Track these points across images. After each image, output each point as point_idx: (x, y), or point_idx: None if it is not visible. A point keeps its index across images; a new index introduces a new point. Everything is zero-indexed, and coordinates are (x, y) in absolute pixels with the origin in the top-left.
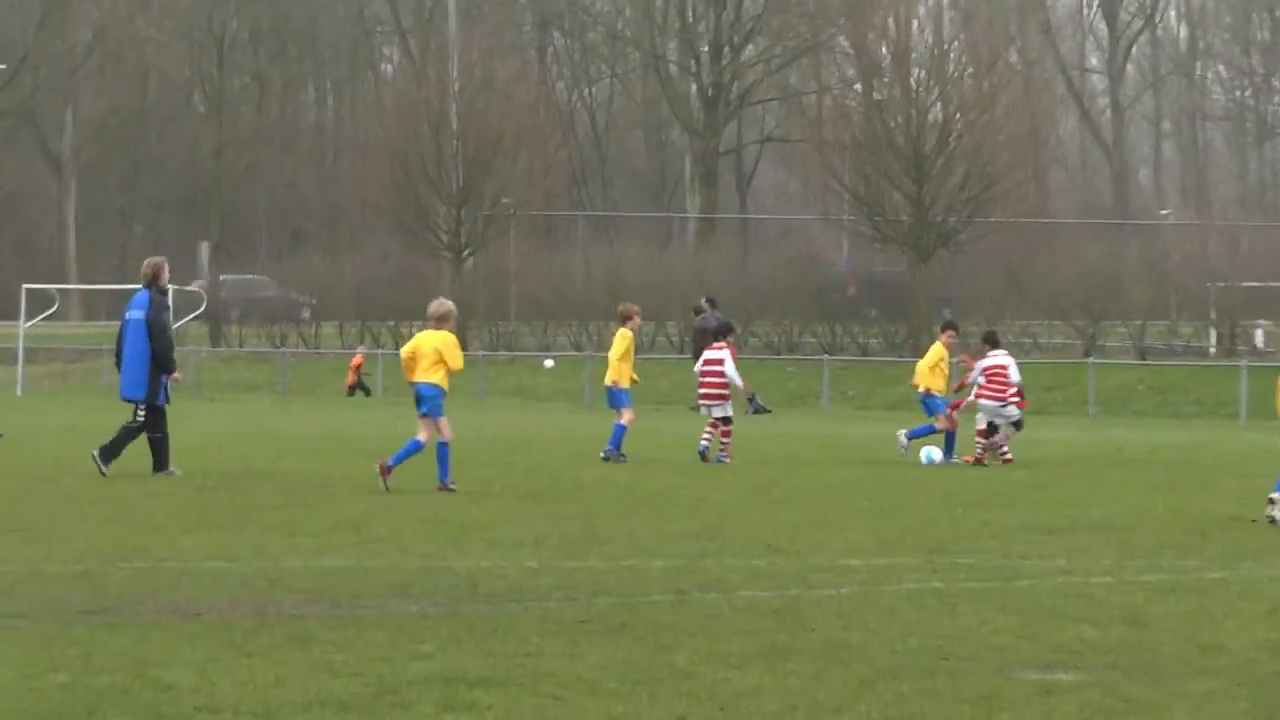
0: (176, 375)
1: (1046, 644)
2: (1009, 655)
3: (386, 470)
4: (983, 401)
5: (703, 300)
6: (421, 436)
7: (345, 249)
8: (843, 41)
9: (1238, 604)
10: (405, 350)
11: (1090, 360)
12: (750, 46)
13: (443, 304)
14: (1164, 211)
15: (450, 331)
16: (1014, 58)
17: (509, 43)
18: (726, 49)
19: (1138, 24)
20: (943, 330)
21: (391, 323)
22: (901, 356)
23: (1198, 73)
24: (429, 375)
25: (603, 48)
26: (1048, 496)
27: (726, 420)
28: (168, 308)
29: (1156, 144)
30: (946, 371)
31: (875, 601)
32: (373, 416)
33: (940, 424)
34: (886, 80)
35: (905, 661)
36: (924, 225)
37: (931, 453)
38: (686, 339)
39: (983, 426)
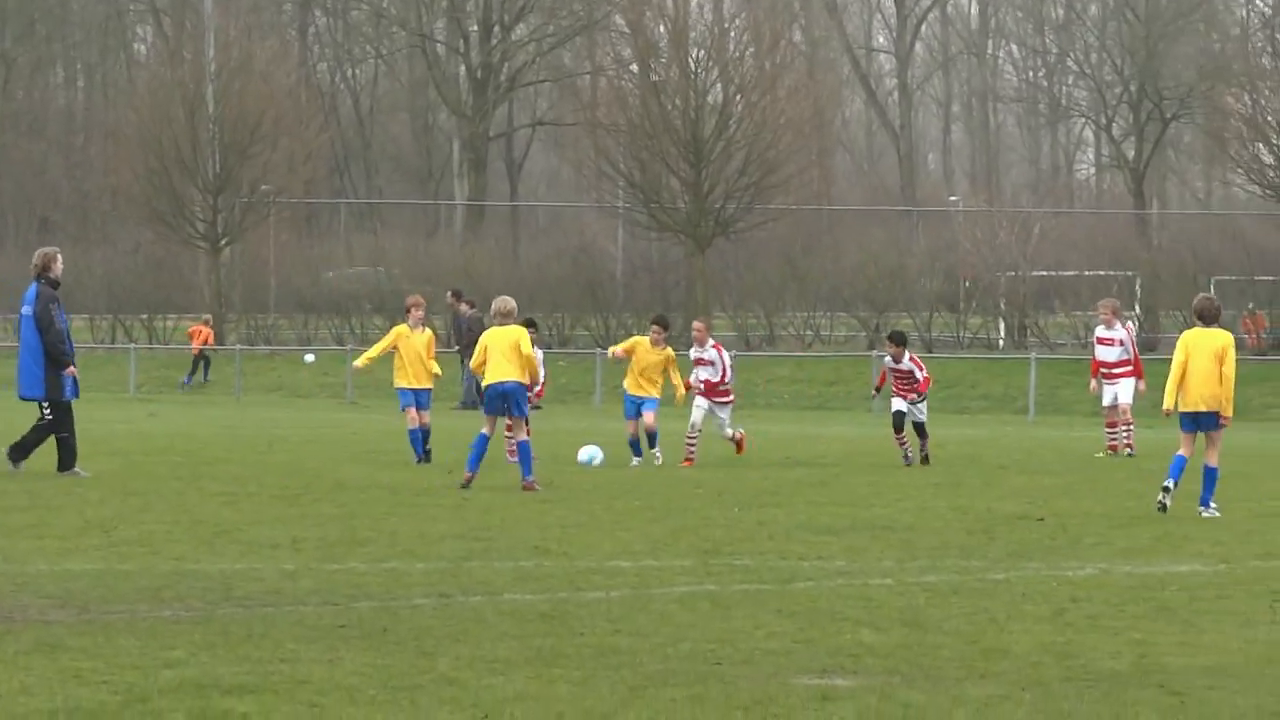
0: (72, 369)
1: (824, 648)
2: (784, 660)
3: (468, 481)
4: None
5: (449, 294)
6: (486, 429)
7: (96, 239)
8: (618, 20)
9: (1021, 606)
10: (478, 352)
11: (874, 353)
12: (521, 26)
13: (506, 301)
14: (952, 198)
15: (518, 325)
16: (798, 37)
17: (268, 22)
18: (496, 28)
19: (927, 2)
20: (652, 325)
21: (145, 316)
22: (677, 350)
23: (989, 52)
24: (509, 373)
25: (366, 27)
26: (827, 495)
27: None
28: (56, 299)
29: (946, 127)
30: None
31: (646, 605)
32: (124, 414)
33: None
34: (664, 61)
35: (676, 667)
36: (702, 212)
37: (593, 453)
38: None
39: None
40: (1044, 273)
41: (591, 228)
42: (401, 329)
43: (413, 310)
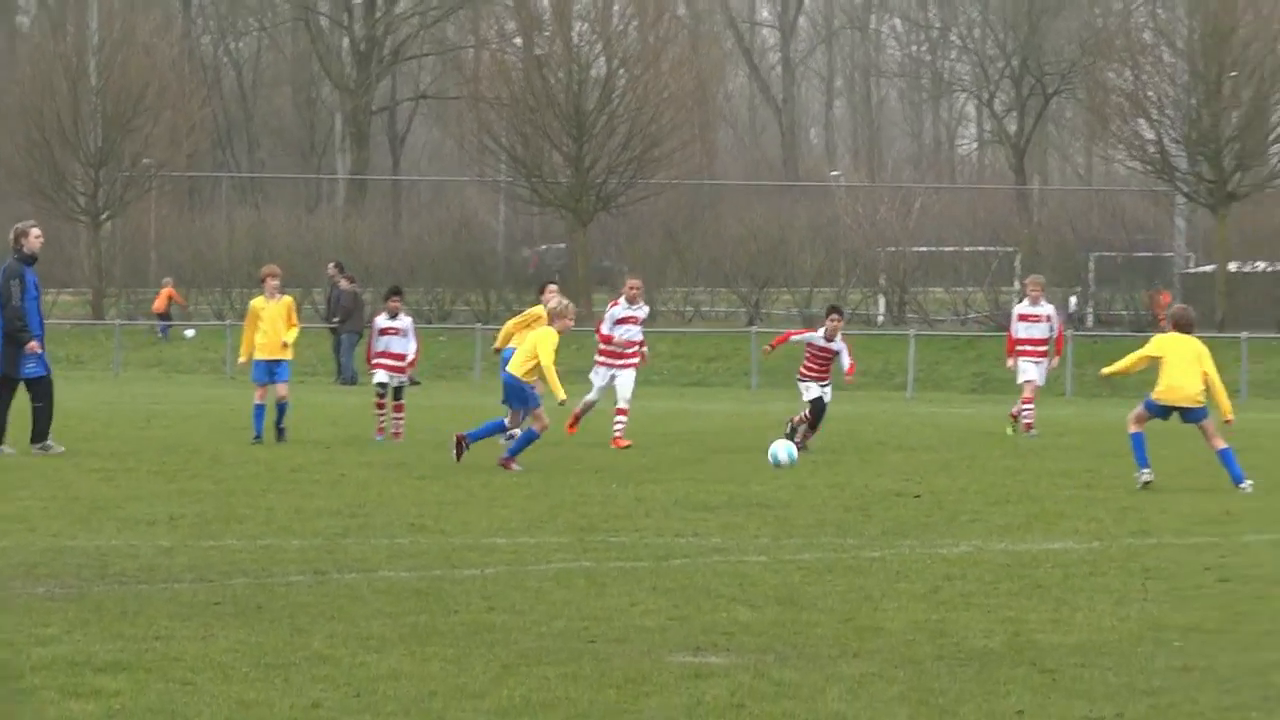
0: (33, 346)
1: (698, 625)
2: (659, 637)
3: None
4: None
5: (331, 266)
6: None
7: None
8: None
9: (896, 584)
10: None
11: (754, 329)
12: None
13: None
14: (834, 173)
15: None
16: (681, 10)
17: None
18: (380, 1)
19: None
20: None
21: None
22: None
23: (872, 27)
24: (514, 368)
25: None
26: (705, 472)
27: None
28: (21, 275)
29: (828, 101)
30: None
31: (521, 582)
32: None
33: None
34: (547, 34)
35: (550, 644)
36: (584, 187)
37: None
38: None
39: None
40: (924, 248)
41: (473, 202)
42: (257, 301)
43: (268, 280)
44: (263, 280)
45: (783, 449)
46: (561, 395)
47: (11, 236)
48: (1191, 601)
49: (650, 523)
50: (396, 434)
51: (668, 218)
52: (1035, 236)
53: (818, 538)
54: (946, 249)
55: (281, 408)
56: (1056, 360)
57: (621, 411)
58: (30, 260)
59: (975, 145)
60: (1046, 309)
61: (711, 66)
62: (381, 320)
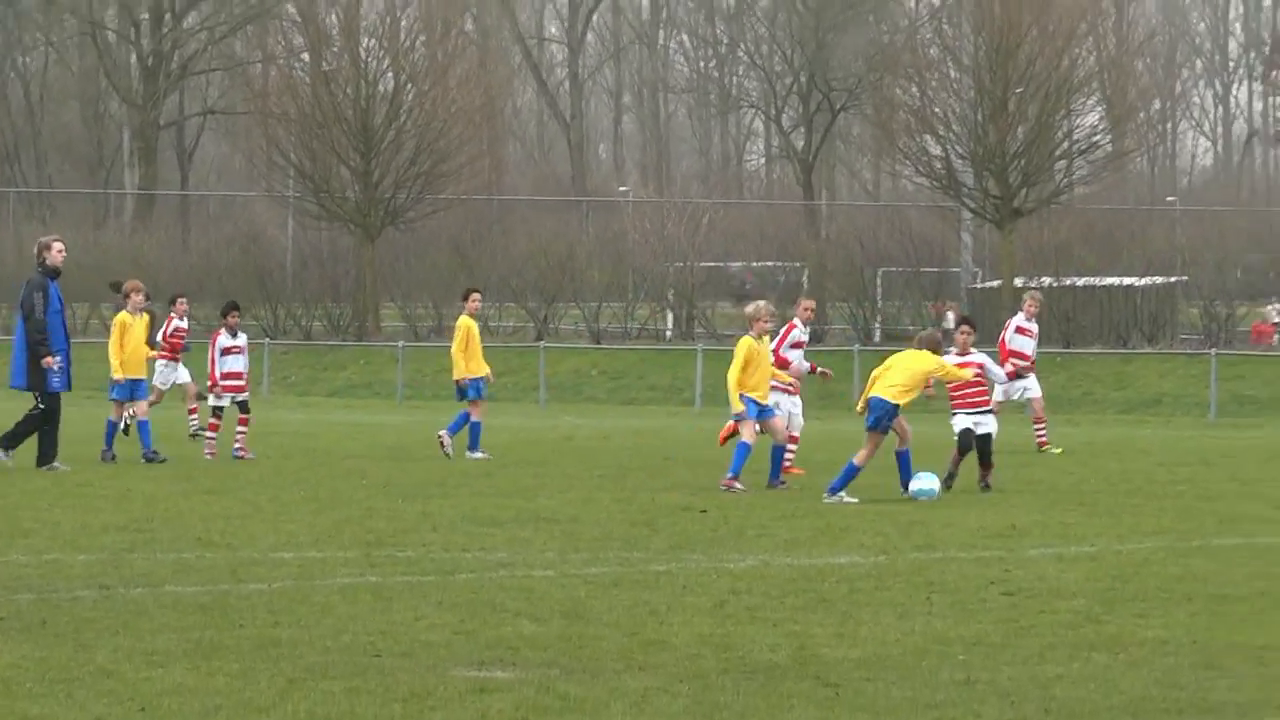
0: (48, 361)
1: (484, 640)
2: (444, 652)
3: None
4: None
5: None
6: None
7: None
8: (290, 9)
9: (682, 598)
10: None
11: (542, 344)
12: (193, 13)
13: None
14: (623, 189)
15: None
16: (469, 26)
17: None
18: (168, 16)
19: None
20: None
21: None
22: (345, 340)
23: (660, 43)
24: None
25: (37, 14)
26: (492, 486)
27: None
28: (44, 288)
29: (617, 117)
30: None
31: (308, 596)
32: None
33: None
34: (335, 50)
35: (336, 659)
36: (372, 202)
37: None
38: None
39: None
40: (712, 264)
41: (262, 217)
42: (123, 317)
43: (132, 295)
44: (127, 295)
45: (923, 482)
46: (739, 408)
47: (36, 250)
48: (975, 615)
49: (437, 537)
50: (243, 450)
51: (456, 233)
52: (822, 251)
53: (604, 552)
54: (734, 264)
55: (144, 425)
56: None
57: (794, 439)
58: (54, 274)
59: (763, 161)
60: (1035, 326)
61: (499, 82)
62: (225, 339)
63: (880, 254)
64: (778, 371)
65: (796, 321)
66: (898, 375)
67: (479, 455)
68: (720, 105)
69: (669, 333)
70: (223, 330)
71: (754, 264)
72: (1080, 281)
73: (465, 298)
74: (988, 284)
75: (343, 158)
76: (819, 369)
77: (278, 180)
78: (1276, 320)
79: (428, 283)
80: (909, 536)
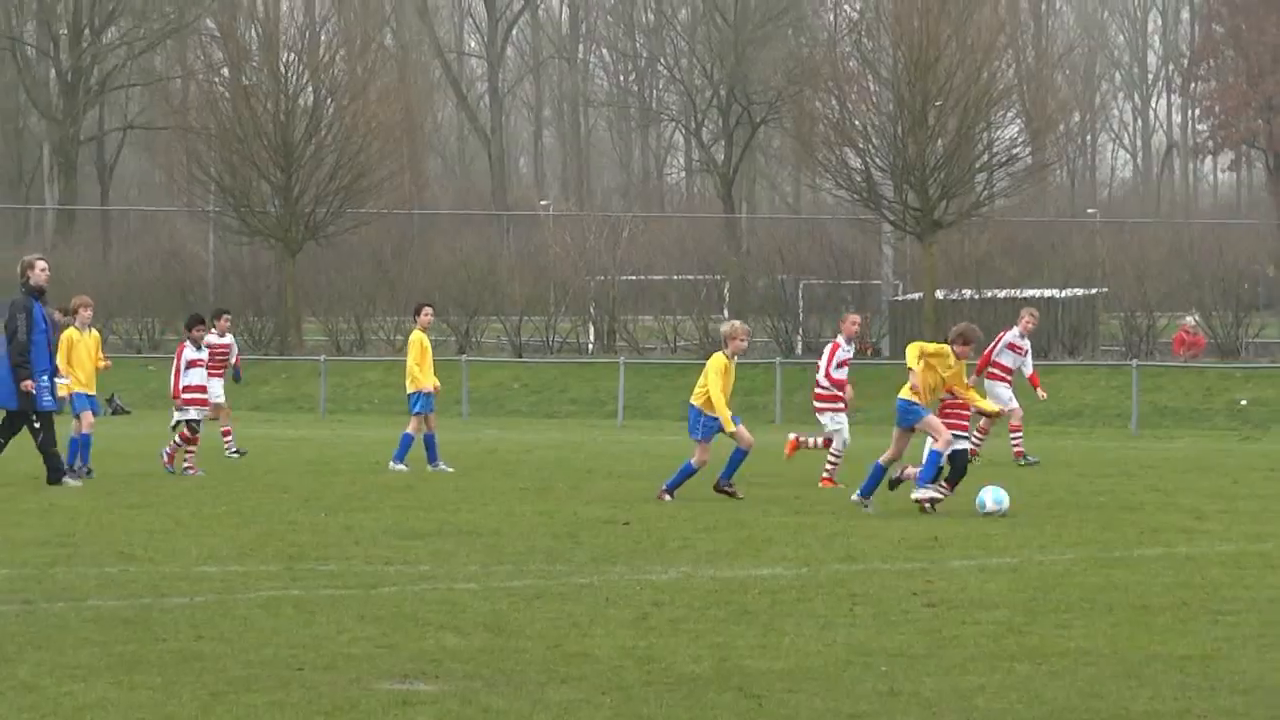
0: (27, 385)
1: (406, 653)
2: (366, 665)
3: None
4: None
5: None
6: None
7: None
8: (209, 24)
9: (605, 610)
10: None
11: (464, 358)
12: (112, 29)
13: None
14: (543, 202)
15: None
16: (389, 41)
17: None
18: (86, 31)
19: (518, 5)
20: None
21: None
22: (268, 354)
23: (580, 57)
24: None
25: None
26: (415, 500)
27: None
28: (27, 309)
29: (537, 131)
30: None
31: (230, 610)
32: None
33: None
34: (255, 64)
35: (259, 672)
36: (292, 217)
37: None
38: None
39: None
40: (633, 276)
41: (182, 232)
42: (71, 333)
43: (80, 310)
44: (74, 311)
45: (990, 495)
46: (731, 428)
47: (19, 269)
48: (898, 626)
49: (360, 551)
50: (191, 468)
51: (377, 247)
52: (743, 264)
53: (527, 565)
54: (656, 277)
55: (86, 440)
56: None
57: (837, 455)
58: (38, 293)
59: (683, 174)
60: (1027, 343)
61: (419, 96)
62: (190, 352)
63: (801, 266)
64: (829, 389)
65: (841, 340)
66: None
67: (401, 468)
68: (640, 119)
69: (590, 346)
70: (188, 343)
71: (674, 277)
72: (1001, 294)
73: (417, 312)
74: (908, 296)
75: (263, 172)
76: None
77: (198, 195)
78: (1191, 328)
79: (349, 297)
80: (831, 548)
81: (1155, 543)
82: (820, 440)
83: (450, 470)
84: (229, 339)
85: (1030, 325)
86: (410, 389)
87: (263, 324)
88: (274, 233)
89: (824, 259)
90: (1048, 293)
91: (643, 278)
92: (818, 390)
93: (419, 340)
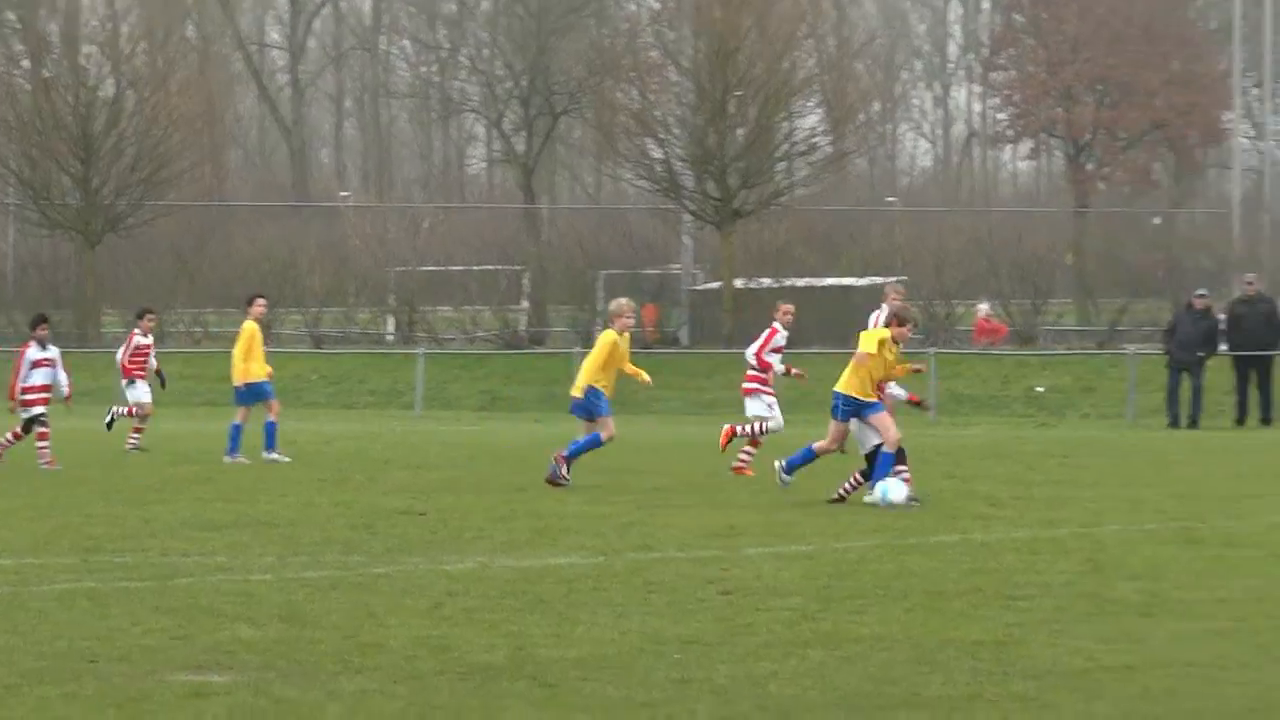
0: None
1: (201, 644)
2: (161, 657)
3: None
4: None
5: None
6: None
7: None
8: (10, 16)
9: (401, 600)
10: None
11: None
12: None
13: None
14: (344, 194)
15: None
16: (190, 32)
17: None
18: None
19: None
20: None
21: None
22: (67, 347)
23: (382, 48)
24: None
25: None
26: (213, 491)
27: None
28: None
29: (338, 123)
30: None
31: (24, 603)
32: None
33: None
34: (56, 57)
35: (52, 665)
36: (93, 209)
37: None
38: None
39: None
40: (433, 267)
41: None
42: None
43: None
44: None
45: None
46: (578, 393)
47: None
48: (693, 614)
49: (156, 543)
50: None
51: (178, 239)
52: (544, 255)
53: (323, 555)
54: (455, 268)
55: None
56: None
57: (756, 444)
58: None
59: (484, 165)
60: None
61: (221, 88)
62: (34, 352)
63: (601, 257)
64: (756, 373)
65: (778, 325)
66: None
67: (240, 460)
68: (441, 110)
69: (390, 336)
70: (33, 343)
71: (474, 268)
72: (800, 282)
73: (250, 303)
74: (708, 285)
75: (63, 165)
76: (793, 370)
77: None
78: (987, 315)
79: (149, 289)
80: (627, 537)
81: (951, 529)
82: (756, 428)
83: (287, 460)
84: (150, 340)
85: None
86: (236, 380)
87: (61, 317)
88: (74, 225)
89: (624, 249)
90: (846, 281)
91: (442, 268)
92: (748, 373)
93: (251, 330)
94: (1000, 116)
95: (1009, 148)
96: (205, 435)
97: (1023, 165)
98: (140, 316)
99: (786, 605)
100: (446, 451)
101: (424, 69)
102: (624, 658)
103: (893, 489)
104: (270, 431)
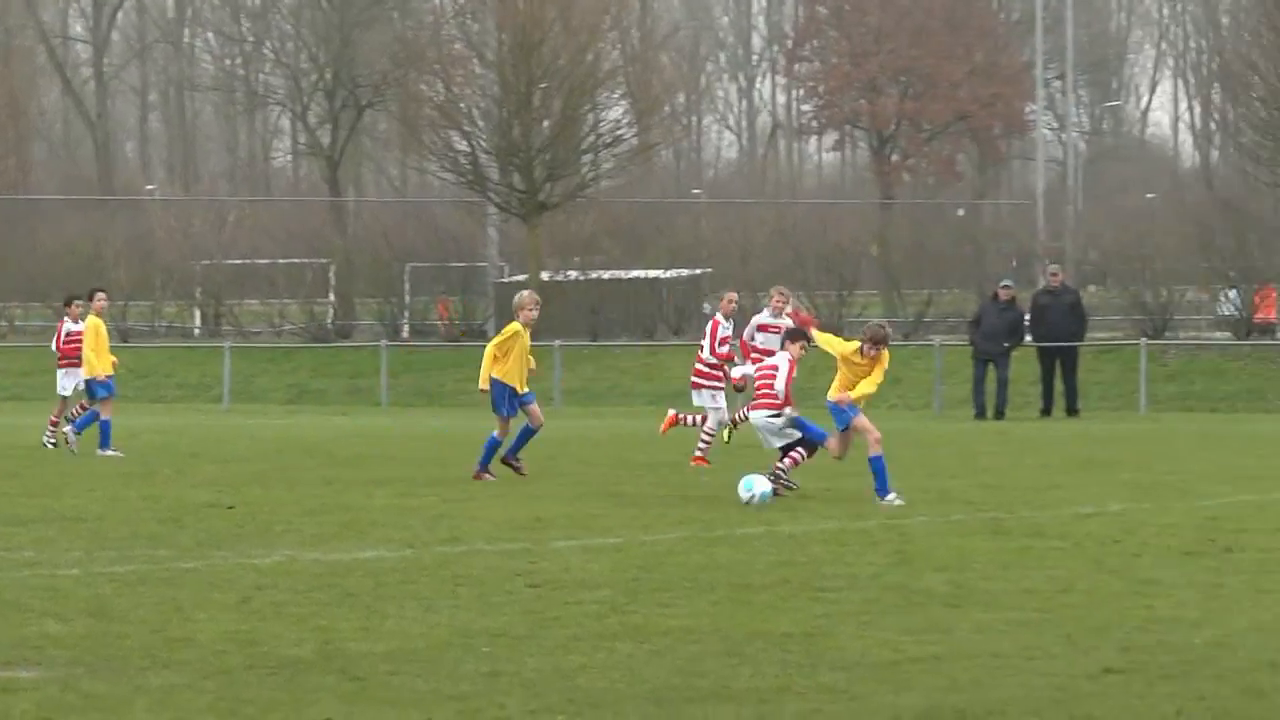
0: None
1: (7, 640)
2: None
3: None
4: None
5: None
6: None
7: None
8: None
9: (209, 594)
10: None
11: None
12: None
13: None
14: (150, 187)
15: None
16: None
17: None
18: None
19: None
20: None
21: None
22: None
23: (186, 40)
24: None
25: None
26: (19, 486)
27: None
28: None
29: (143, 115)
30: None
31: None
32: None
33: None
34: None
35: None
36: None
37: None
38: None
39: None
40: (240, 260)
41: None
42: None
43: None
44: None
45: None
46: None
47: None
48: (501, 607)
49: None
50: None
51: None
52: (350, 248)
53: (131, 550)
54: (261, 261)
55: None
56: None
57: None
58: None
59: (290, 158)
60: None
61: (24, 81)
62: None
63: (408, 250)
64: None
65: (719, 317)
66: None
67: (111, 453)
68: (246, 103)
69: (197, 330)
70: None
71: (280, 261)
72: (606, 274)
73: (90, 297)
74: (514, 278)
75: None
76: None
77: None
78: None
79: None
80: (435, 530)
81: (758, 521)
82: (699, 418)
83: (121, 456)
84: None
85: (781, 304)
86: (86, 375)
87: None
88: None
89: (430, 242)
90: (653, 273)
91: (249, 261)
92: (698, 368)
93: (95, 325)
94: (805, 108)
95: (814, 139)
96: (10, 430)
97: (828, 157)
98: (68, 304)
99: (595, 598)
100: (254, 445)
101: (228, 62)
102: (433, 651)
103: (758, 483)
104: (90, 421)
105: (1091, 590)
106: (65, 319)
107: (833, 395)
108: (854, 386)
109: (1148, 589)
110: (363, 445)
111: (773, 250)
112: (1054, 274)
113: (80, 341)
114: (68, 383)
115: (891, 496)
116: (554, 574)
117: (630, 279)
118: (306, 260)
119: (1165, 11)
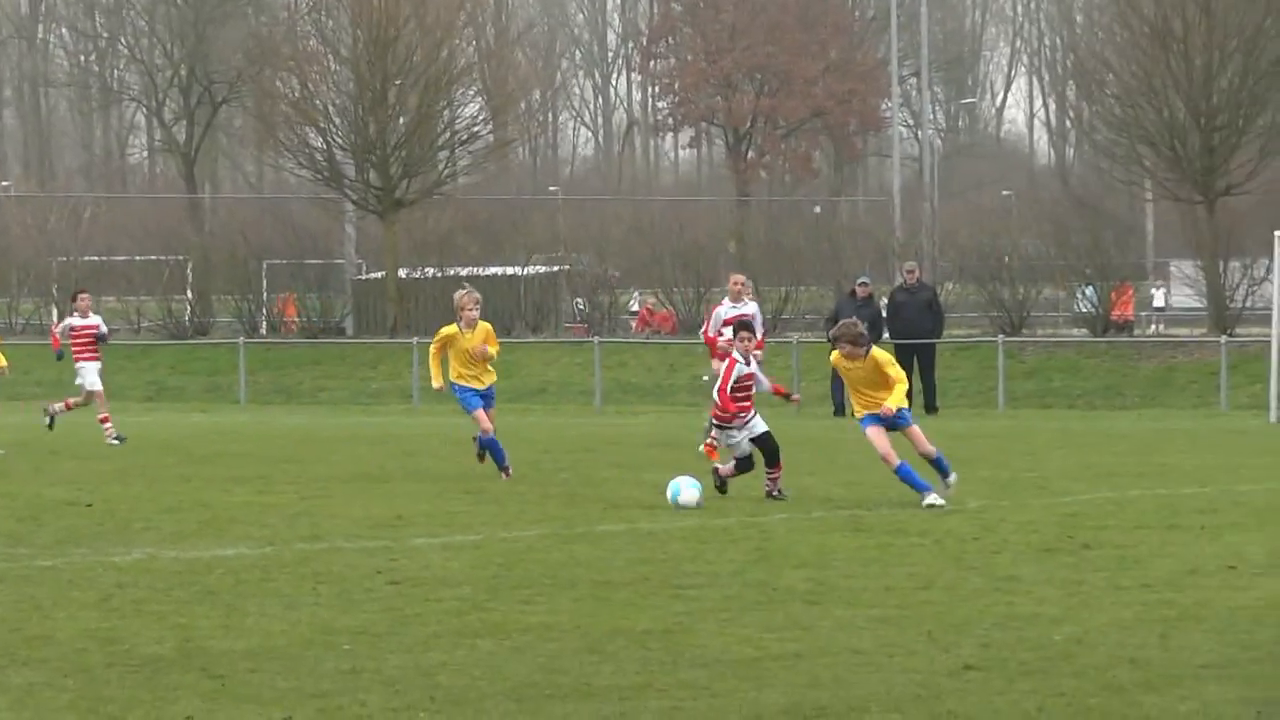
0: None
1: None
2: None
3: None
4: None
5: None
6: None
7: None
8: None
9: (69, 592)
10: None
11: None
12: None
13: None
14: (4, 183)
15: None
16: None
17: None
18: None
19: None
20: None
21: None
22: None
23: (40, 36)
24: None
25: None
26: None
27: None
28: None
29: None
30: None
31: None
32: None
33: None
34: None
35: None
36: None
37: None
38: None
39: None
40: (96, 257)
41: None
42: None
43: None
44: None
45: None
46: (437, 383)
47: None
48: (361, 605)
49: None
50: None
51: None
52: (207, 245)
53: None
54: (119, 258)
55: None
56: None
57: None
58: None
59: (146, 155)
60: (751, 307)
61: None
62: None
63: (265, 247)
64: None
65: (727, 301)
66: None
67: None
68: (101, 99)
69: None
70: None
71: (137, 258)
72: (464, 271)
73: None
74: (371, 275)
75: None
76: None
77: None
78: (636, 308)
79: None
80: (295, 528)
81: (618, 519)
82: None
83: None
84: (93, 319)
85: (739, 289)
86: None
87: None
88: None
89: (287, 238)
90: (510, 270)
91: (105, 258)
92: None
93: None
94: (660, 105)
95: (670, 136)
96: None
97: (684, 154)
98: (74, 298)
99: (455, 595)
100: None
101: (83, 58)
102: (293, 648)
103: (685, 489)
104: None
105: (952, 587)
106: (74, 314)
107: (859, 411)
108: (869, 399)
109: (1008, 586)
110: (221, 442)
111: (630, 247)
112: (910, 271)
113: (87, 335)
114: (93, 376)
115: (936, 493)
116: (414, 571)
117: (488, 276)
118: (164, 257)
119: (1020, 9)
